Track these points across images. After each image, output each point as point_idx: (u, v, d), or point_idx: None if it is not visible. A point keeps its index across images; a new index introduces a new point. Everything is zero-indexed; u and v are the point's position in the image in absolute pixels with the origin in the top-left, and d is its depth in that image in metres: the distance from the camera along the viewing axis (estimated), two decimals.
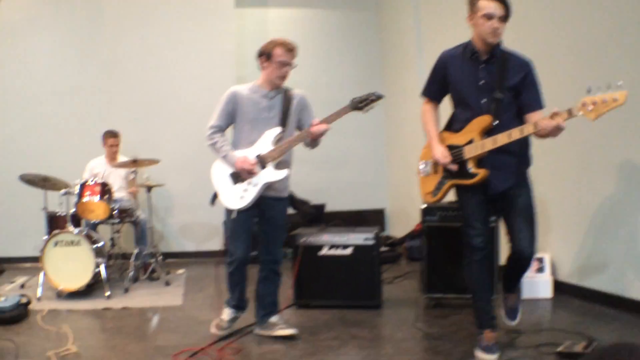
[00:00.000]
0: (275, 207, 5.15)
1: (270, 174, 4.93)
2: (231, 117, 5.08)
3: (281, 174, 4.97)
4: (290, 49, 4.95)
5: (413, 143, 8.90)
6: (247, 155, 4.91)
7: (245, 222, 5.06)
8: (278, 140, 4.98)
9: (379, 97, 4.78)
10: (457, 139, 4.39)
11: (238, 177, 4.94)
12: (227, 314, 5.32)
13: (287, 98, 5.11)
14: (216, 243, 9.66)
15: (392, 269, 8.06)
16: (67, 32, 10.13)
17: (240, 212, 4.97)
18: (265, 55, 4.95)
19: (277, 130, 5.00)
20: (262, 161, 4.90)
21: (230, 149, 4.99)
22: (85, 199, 7.12)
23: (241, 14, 10.28)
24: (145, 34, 10.04)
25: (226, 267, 5.27)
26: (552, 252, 6.22)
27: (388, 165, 10.87)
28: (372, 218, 10.56)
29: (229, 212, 5.05)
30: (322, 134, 4.86)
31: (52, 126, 9.96)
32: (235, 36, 10.11)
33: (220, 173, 5.06)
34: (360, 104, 4.77)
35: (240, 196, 4.94)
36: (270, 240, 5.23)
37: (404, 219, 9.97)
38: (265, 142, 4.96)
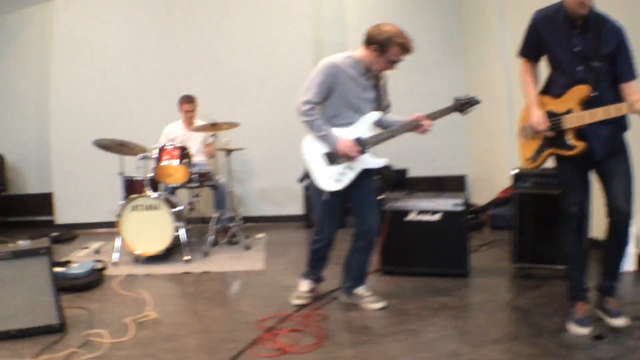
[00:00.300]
0: (366, 174, 4.83)
1: (369, 161, 4.70)
2: (329, 92, 4.68)
3: (380, 162, 4.75)
4: (407, 52, 4.62)
5: (496, 107, 8.59)
6: (346, 137, 4.64)
7: (336, 202, 4.81)
8: (375, 124, 4.76)
9: (478, 102, 4.76)
10: (556, 105, 4.20)
11: (334, 158, 4.66)
12: (305, 285, 5.16)
13: (378, 78, 4.86)
14: (295, 208, 9.49)
15: (475, 237, 7.72)
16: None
17: (333, 193, 4.72)
18: (379, 46, 4.55)
19: (377, 114, 4.77)
20: (361, 145, 4.64)
21: (329, 128, 4.67)
22: (164, 163, 7.05)
23: None
24: None
25: (312, 244, 5.05)
26: (637, 224, 5.82)
27: (470, 131, 10.44)
28: (453, 184, 10.23)
29: (317, 190, 4.77)
30: (427, 130, 4.70)
31: (129, 92, 9.99)
32: None
33: (313, 151, 4.74)
34: (463, 107, 4.71)
35: (335, 179, 4.67)
36: (364, 208, 4.93)
37: (486, 186, 9.60)
38: (364, 125, 4.71)
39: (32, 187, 10.99)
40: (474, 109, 4.77)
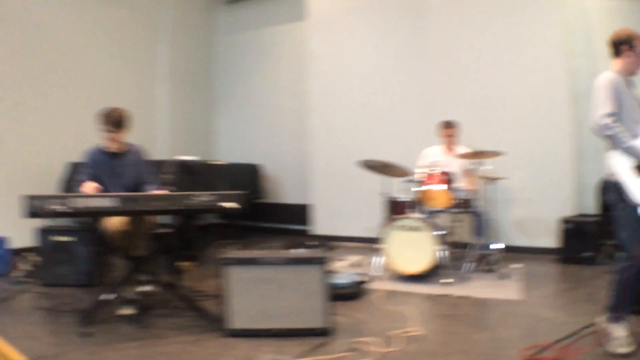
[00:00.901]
0: None
1: None
2: (617, 104, 4.54)
3: None
4: None
5: None
6: None
7: None
8: None
9: None
10: None
11: None
12: (621, 329, 4.58)
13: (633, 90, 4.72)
14: (549, 240, 9.23)
15: None
16: (397, 23, 10.50)
17: None
18: (629, 45, 4.60)
19: None
20: None
21: (632, 138, 4.45)
22: (428, 187, 7.29)
23: (563, 3, 9.65)
24: (473, 26, 9.88)
25: (623, 272, 4.54)
26: None
27: None
28: None
29: (628, 208, 4.47)
30: None
31: (386, 112, 10.40)
32: (560, 27, 9.48)
33: (622, 166, 4.51)
34: None
35: None
36: None
37: None
38: None
39: (289, 197, 11.57)
40: None
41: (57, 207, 4.82)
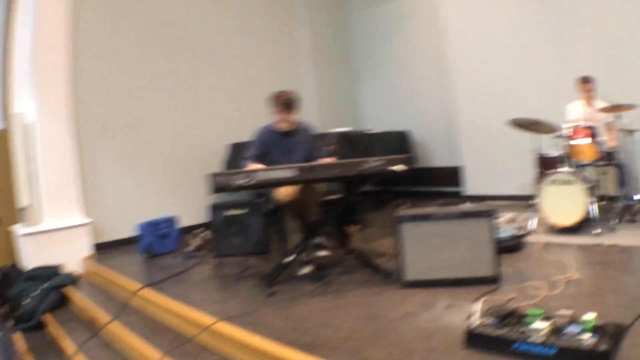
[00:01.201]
0: None
1: None
2: None
3: None
4: None
5: None
6: None
7: None
8: None
9: None
10: None
11: None
12: None
13: None
14: None
15: None
16: None
17: None
18: None
19: None
20: None
21: None
22: (575, 142, 7.64)
23: None
24: None
25: None
26: None
27: None
28: None
29: None
30: None
31: (526, 71, 10.54)
32: None
33: None
34: None
35: None
36: None
37: None
38: None
39: (438, 160, 11.99)
40: None
41: (241, 181, 5.46)
